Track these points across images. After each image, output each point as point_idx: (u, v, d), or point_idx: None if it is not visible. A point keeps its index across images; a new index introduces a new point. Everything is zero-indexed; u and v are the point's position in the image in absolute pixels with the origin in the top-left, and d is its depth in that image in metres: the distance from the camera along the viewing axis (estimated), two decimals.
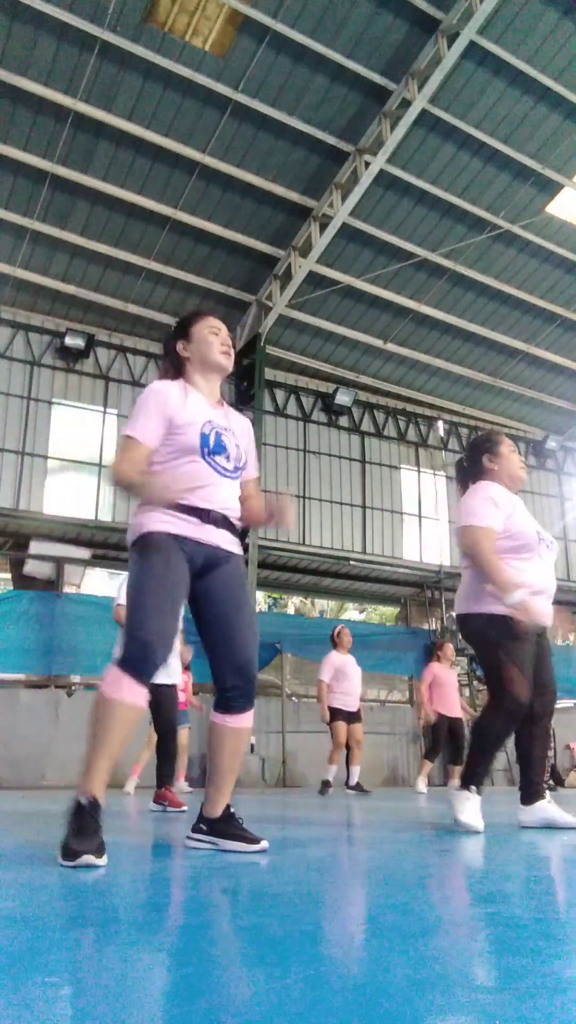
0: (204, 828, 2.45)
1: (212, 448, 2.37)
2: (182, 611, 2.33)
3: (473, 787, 3.22)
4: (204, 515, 2.33)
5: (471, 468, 3.56)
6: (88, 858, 1.93)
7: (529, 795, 3.39)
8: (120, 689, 2.10)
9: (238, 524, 2.46)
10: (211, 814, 2.44)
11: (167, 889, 1.83)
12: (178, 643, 5.29)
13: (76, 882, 1.79)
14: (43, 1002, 0.88)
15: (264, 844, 2.34)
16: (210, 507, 2.34)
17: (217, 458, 2.38)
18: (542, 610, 3.23)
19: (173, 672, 5.08)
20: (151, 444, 2.34)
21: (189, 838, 2.50)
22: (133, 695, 2.11)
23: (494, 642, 3.23)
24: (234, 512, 2.43)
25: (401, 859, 2.39)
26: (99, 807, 2.04)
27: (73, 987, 0.94)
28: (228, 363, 2.56)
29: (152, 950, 1.16)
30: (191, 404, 2.41)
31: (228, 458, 2.41)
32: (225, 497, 2.39)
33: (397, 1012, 0.84)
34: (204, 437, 2.36)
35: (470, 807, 3.15)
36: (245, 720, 2.41)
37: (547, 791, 3.45)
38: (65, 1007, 0.87)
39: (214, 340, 2.52)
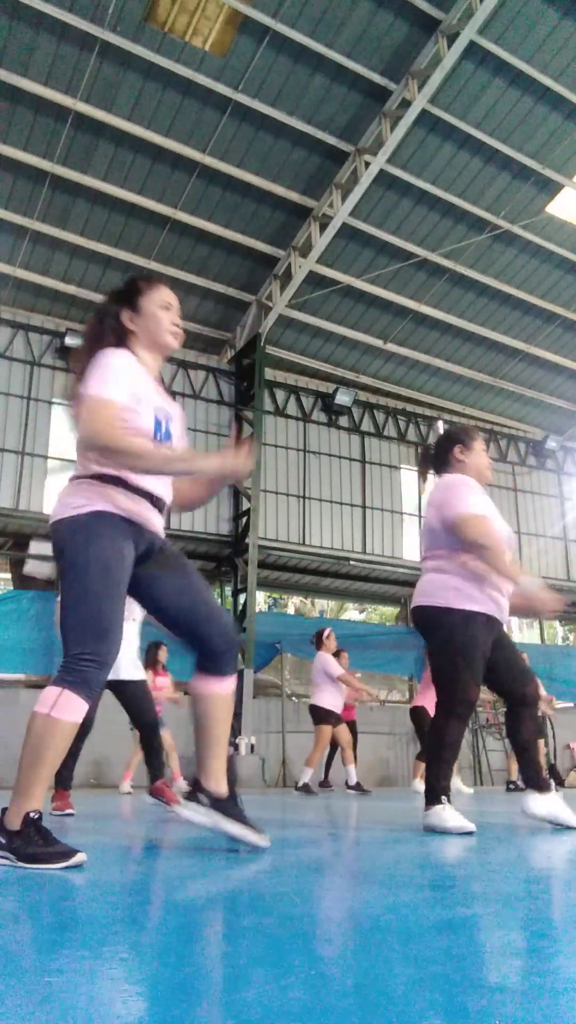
0: (205, 801, 2.31)
1: (163, 435, 2.28)
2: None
3: (444, 798, 3.17)
4: (155, 500, 2.25)
5: (439, 457, 3.54)
6: (81, 856, 1.93)
7: (540, 783, 3.31)
8: (72, 711, 2.00)
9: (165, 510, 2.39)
10: (217, 790, 2.32)
11: (167, 889, 1.83)
12: (134, 633, 5.12)
13: (74, 882, 1.79)
14: (42, 1002, 0.88)
15: (267, 840, 2.30)
16: (157, 493, 2.26)
17: (165, 445, 2.29)
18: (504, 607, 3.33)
19: (134, 667, 4.87)
20: (125, 404, 2.15)
21: (184, 804, 2.35)
22: (80, 713, 2.02)
23: (457, 646, 3.19)
24: (168, 501, 2.36)
25: (400, 859, 2.39)
26: (42, 818, 2.00)
27: (72, 987, 0.94)
28: (176, 344, 2.38)
29: (152, 950, 1.16)
30: (145, 383, 2.26)
31: (172, 447, 2.32)
32: (166, 483, 2.32)
33: (397, 1012, 0.84)
34: (157, 423, 2.26)
35: (450, 814, 3.13)
36: (232, 683, 2.37)
37: (551, 784, 3.44)
38: (64, 1007, 0.87)
39: (164, 317, 2.34)
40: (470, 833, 3.03)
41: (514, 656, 3.39)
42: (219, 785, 2.32)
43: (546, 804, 3.29)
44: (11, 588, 13.48)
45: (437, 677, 3.28)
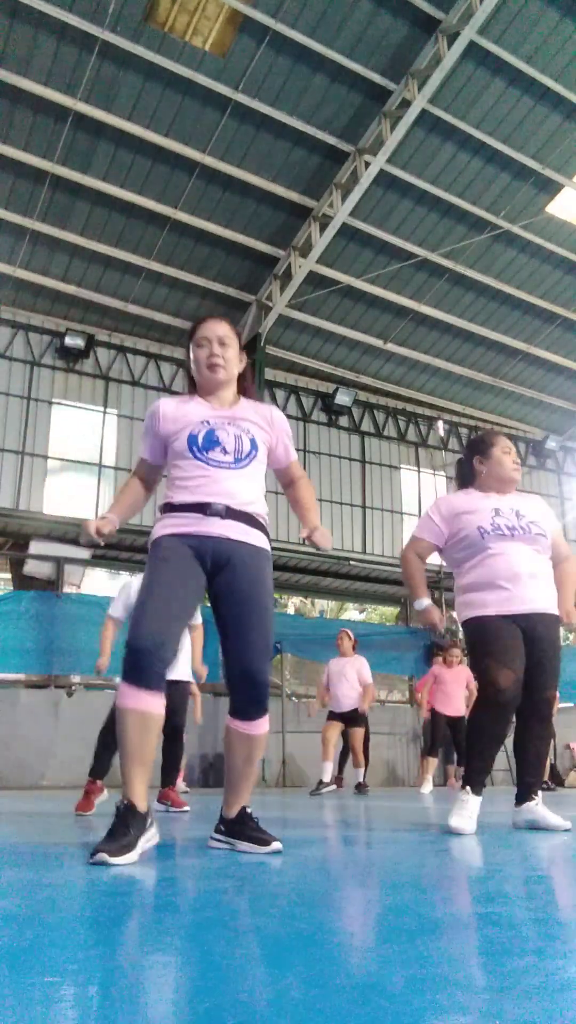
0: (223, 829, 2.47)
1: (202, 445, 2.39)
2: (193, 607, 2.32)
3: (469, 788, 3.18)
4: (204, 508, 2.33)
5: (466, 470, 3.58)
6: (102, 856, 1.95)
7: (518, 796, 3.37)
8: (124, 699, 2.14)
9: (253, 512, 2.41)
10: (227, 815, 2.46)
11: (167, 889, 1.83)
12: (186, 639, 5.12)
13: (76, 882, 1.79)
14: (43, 1002, 0.88)
15: (277, 846, 2.32)
16: (210, 500, 2.33)
17: (210, 453, 2.38)
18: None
19: (183, 668, 4.87)
20: (151, 459, 2.55)
21: (212, 838, 2.52)
22: (137, 702, 2.13)
23: (473, 644, 3.31)
24: (242, 501, 2.38)
25: (400, 859, 2.39)
26: (134, 812, 2.08)
27: (73, 987, 0.94)
28: (213, 375, 2.51)
29: (152, 950, 1.16)
30: (188, 411, 2.48)
31: (225, 451, 2.39)
32: (228, 489, 2.36)
33: (397, 1012, 0.84)
34: (192, 437, 2.40)
35: (459, 809, 3.13)
36: (257, 727, 2.39)
37: (539, 792, 3.42)
38: (65, 1007, 0.87)
39: (202, 355, 2.52)
40: (458, 834, 3.02)
41: (538, 661, 3.22)
42: (228, 811, 2.46)
43: (524, 813, 3.33)
44: (11, 588, 13.48)
45: (475, 675, 3.41)
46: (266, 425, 2.53)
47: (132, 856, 2.01)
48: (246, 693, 2.34)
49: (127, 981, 0.99)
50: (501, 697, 3.09)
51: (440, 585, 14.31)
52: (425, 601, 3.40)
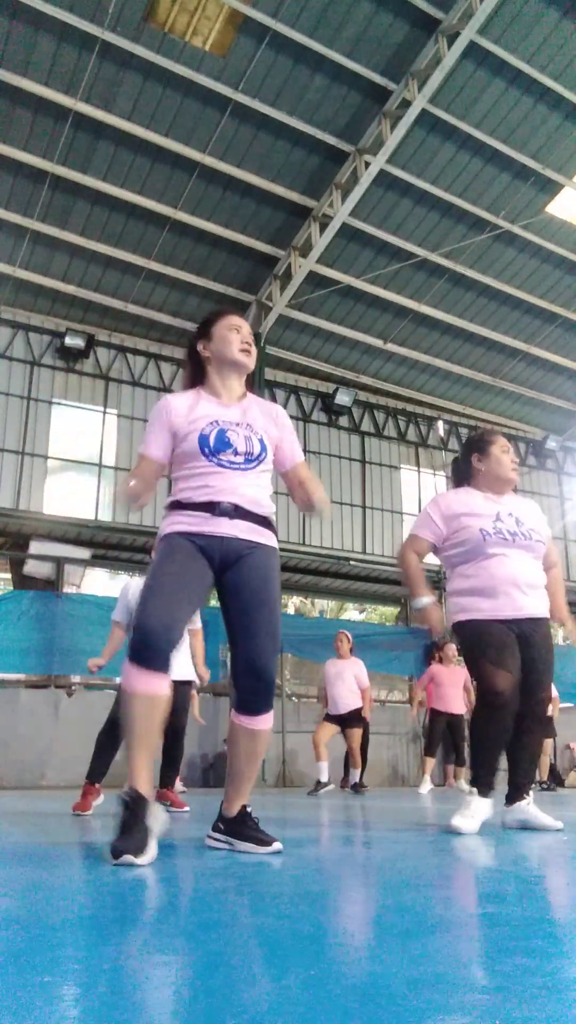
0: (222, 827, 2.46)
1: (213, 447, 2.38)
2: (200, 599, 2.34)
3: (475, 789, 3.20)
4: (212, 508, 2.34)
5: (463, 468, 3.56)
6: (128, 857, 1.94)
7: (509, 795, 3.37)
8: (131, 681, 2.13)
9: (263, 512, 2.43)
10: (228, 813, 2.44)
11: (167, 889, 1.83)
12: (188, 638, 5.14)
13: (77, 882, 1.79)
14: (43, 1002, 0.88)
15: (277, 846, 2.32)
16: (219, 499, 2.35)
17: (221, 455, 2.38)
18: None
19: (185, 669, 4.88)
20: (157, 457, 2.47)
21: (209, 836, 2.51)
22: (146, 684, 2.13)
23: (468, 647, 3.32)
24: (251, 501, 2.40)
25: (400, 859, 2.39)
26: (142, 801, 2.06)
27: (73, 987, 0.94)
28: (247, 360, 2.54)
29: (152, 950, 1.16)
30: (197, 410, 2.45)
31: (236, 452, 2.40)
32: (237, 489, 2.38)
33: (397, 1012, 0.84)
34: (203, 438, 2.39)
35: (463, 809, 3.14)
36: (260, 722, 2.39)
37: (530, 792, 3.42)
38: (65, 1007, 0.87)
39: (234, 338, 2.52)
40: (458, 834, 3.03)
41: (531, 663, 3.25)
42: (229, 809, 2.45)
43: (516, 813, 3.33)
44: (11, 588, 13.47)
45: (472, 680, 3.49)
46: (273, 425, 2.54)
47: (153, 850, 2.01)
48: (253, 688, 2.35)
49: (127, 981, 0.99)
50: (500, 700, 3.10)
51: (440, 585, 14.33)
52: (425, 599, 3.38)
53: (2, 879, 1.88)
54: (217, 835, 2.47)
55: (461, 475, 3.56)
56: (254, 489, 2.42)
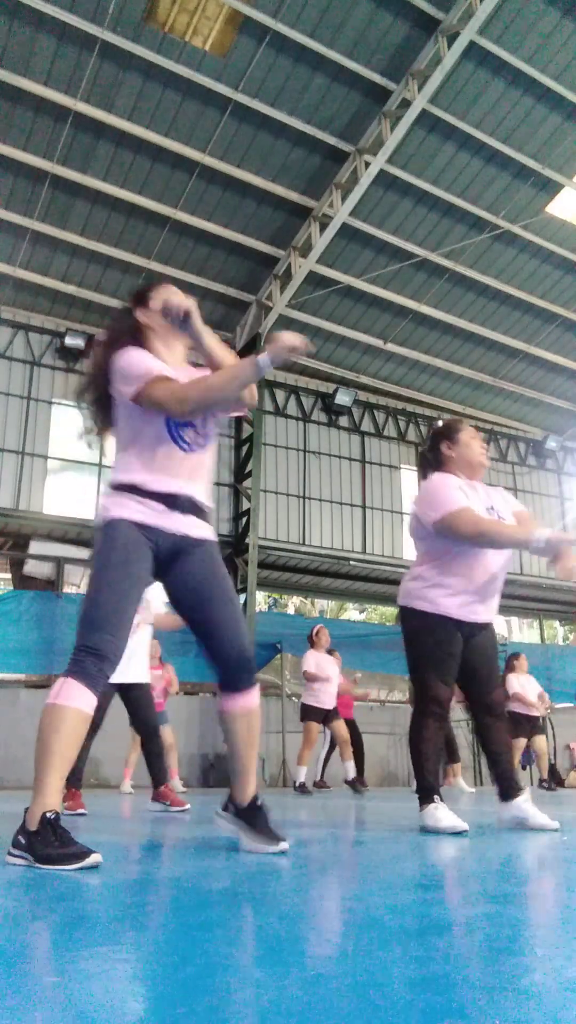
0: (232, 811, 2.43)
1: (178, 422, 2.31)
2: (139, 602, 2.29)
3: (436, 797, 3.18)
4: (171, 501, 2.28)
5: (432, 456, 3.51)
6: (96, 857, 1.93)
7: (504, 792, 3.35)
8: (74, 697, 2.06)
9: (207, 508, 2.40)
10: (240, 801, 2.40)
11: (167, 889, 1.83)
12: (147, 639, 5.19)
13: (75, 882, 1.79)
14: (42, 1002, 0.88)
15: (284, 846, 2.30)
16: (177, 491, 2.30)
17: (185, 431, 2.32)
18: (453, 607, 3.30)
19: (142, 671, 5.00)
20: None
21: (216, 814, 2.49)
22: (87, 703, 2.08)
23: (412, 640, 3.33)
24: (199, 490, 2.37)
25: (399, 859, 2.39)
26: (60, 818, 2.01)
27: (72, 987, 0.95)
28: (193, 322, 2.39)
29: (152, 950, 1.17)
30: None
31: (196, 431, 2.35)
32: (190, 473, 2.34)
33: (397, 1012, 0.84)
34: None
35: (443, 813, 3.13)
36: (252, 697, 2.37)
37: (525, 789, 3.42)
38: (64, 1008, 0.87)
39: (183, 303, 2.39)
40: (463, 832, 3.03)
41: (483, 662, 3.36)
42: (240, 795, 2.39)
43: (512, 810, 3.32)
44: (11, 588, 13.48)
45: (410, 675, 3.43)
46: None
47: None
48: (246, 668, 2.35)
49: (127, 981, 0.99)
50: (442, 711, 3.26)
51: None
52: (544, 531, 3.02)
53: (11, 880, 1.88)
54: (226, 816, 2.45)
55: (429, 466, 3.50)
56: (200, 474, 2.39)
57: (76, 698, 2.06)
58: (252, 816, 2.36)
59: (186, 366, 2.46)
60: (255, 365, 2.22)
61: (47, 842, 1.94)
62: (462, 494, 3.24)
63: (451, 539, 3.19)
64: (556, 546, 3.00)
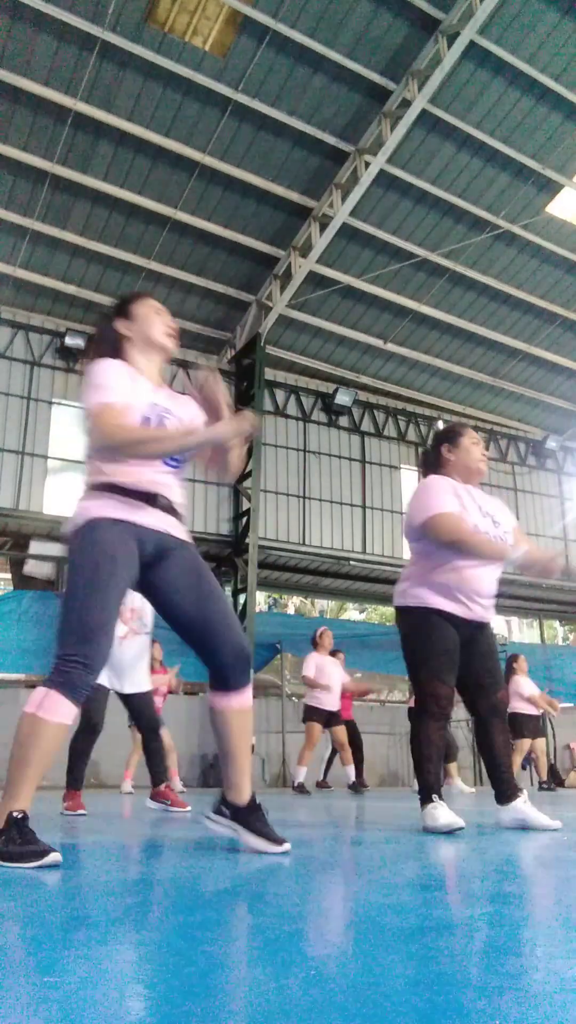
0: (227, 812, 2.37)
1: None
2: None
3: (435, 796, 3.19)
4: (151, 499, 2.27)
5: (432, 458, 3.55)
6: (55, 855, 1.93)
7: (502, 794, 3.35)
8: (57, 712, 2.03)
9: (182, 512, 2.40)
10: (237, 801, 2.34)
11: (167, 888, 1.83)
12: (146, 648, 5.17)
13: (74, 882, 1.79)
14: (41, 1002, 0.88)
15: (287, 846, 2.27)
16: (156, 492, 2.28)
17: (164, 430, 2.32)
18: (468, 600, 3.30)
19: (143, 680, 4.96)
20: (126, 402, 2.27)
21: (207, 817, 2.42)
22: (68, 716, 2.06)
23: (416, 644, 3.31)
24: (176, 494, 2.37)
25: (399, 859, 2.39)
26: (27, 818, 2.01)
27: (71, 987, 0.94)
28: (172, 345, 2.48)
29: (152, 950, 1.16)
30: (138, 387, 2.34)
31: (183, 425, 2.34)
32: (169, 487, 2.34)
33: (397, 1012, 0.84)
34: (146, 421, 2.29)
35: (441, 811, 3.13)
36: (247, 695, 2.35)
37: (523, 790, 3.42)
38: (63, 1007, 0.87)
39: (159, 320, 2.46)
40: (460, 829, 3.03)
41: (483, 664, 3.36)
42: (238, 796, 2.35)
43: (512, 812, 3.32)
44: (11, 588, 13.48)
45: (409, 676, 3.43)
46: (193, 410, 2.44)
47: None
48: (242, 667, 2.32)
49: (126, 981, 0.99)
50: (443, 710, 3.25)
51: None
52: (520, 548, 3.19)
53: (1, 880, 1.88)
54: (221, 819, 2.38)
55: (430, 466, 3.54)
56: (177, 492, 2.39)
57: (60, 713, 2.04)
58: (252, 817, 2.33)
59: (163, 384, 2.47)
60: (202, 437, 2.23)
61: (10, 839, 1.96)
62: (453, 498, 3.28)
63: (433, 542, 3.25)
64: (539, 562, 3.22)
